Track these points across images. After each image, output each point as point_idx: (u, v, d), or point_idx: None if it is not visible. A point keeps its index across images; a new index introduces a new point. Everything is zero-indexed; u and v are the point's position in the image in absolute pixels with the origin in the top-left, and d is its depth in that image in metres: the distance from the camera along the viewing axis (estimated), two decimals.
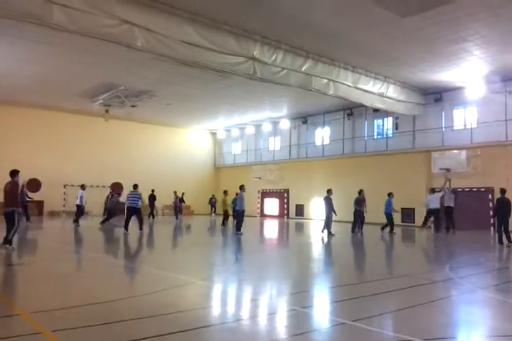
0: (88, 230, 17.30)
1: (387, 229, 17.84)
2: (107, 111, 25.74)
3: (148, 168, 31.21)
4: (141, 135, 32.13)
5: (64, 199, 27.87)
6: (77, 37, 12.49)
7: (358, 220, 17.50)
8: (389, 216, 18.13)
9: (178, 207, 26.48)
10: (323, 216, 16.74)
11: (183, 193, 27.47)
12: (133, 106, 25.16)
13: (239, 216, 16.23)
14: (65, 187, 27.90)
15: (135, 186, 16.14)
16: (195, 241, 14.96)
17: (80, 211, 19.26)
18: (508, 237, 13.27)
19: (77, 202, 19.30)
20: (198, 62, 13.72)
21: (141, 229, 15.67)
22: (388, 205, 18.13)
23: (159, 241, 14.19)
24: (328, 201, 16.48)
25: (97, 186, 28.30)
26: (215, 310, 5.54)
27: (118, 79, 20.94)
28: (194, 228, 19.90)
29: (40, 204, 27.01)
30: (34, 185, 25.68)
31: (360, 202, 17.66)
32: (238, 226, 16.04)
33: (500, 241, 13.34)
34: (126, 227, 15.34)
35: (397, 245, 15.09)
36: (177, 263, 9.53)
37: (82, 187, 19.75)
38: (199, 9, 13.02)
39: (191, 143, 35.77)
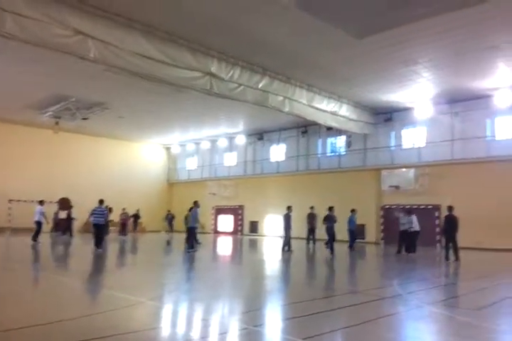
0: (38, 247, 16.52)
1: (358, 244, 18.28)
2: (56, 123, 24.92)
3: (99, 182, 30.31)
4: (92, 148, 31.27)
5: (9, 214, 26.47)
6: (28, 46, 12.06)
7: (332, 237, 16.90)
8: (352, 233, 18.31)
9: (133, 224, 25.88)
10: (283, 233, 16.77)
11: (137, 209, 26.74)
12: (84, 118, 24.47)
13: (192, 233, 15.89)
14: (10, 202, 26.56)
15: (101, 201, 15.46)
16: (147, 260, 14.57)
17: (39, 228, 18.39)
18: (455, 254, 13.74)
19: (36, 218, 18.44)
20: (154, 75, 13.58)
21: (100, 247, 15.06)
22: (352, 222, 18.17)
23: (111, 259, 13.72)
24: (287, 218, 16.57)
25: (45, 201, 27.21)
26: (165, 330, 5.36)
27: (69, 90, 20.38)
28: (147, 246, 19.40)
29: None
30: None
31: (330, 218, 17.20)
32: (191, 244, 15.64)
33: (447, 258, 13.80)
34: (97, 245, 14.90)
35: (349, 261, 15.27)
36: (126, 282, 9.19)
37: (41, 203, 18.99)
38: (155, 23, 12.97)
39: (145, 157, 35.18)
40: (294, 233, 17.15)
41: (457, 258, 13.69)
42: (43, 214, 18.52)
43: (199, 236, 18.61)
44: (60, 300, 7.02)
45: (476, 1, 11.27)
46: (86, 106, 22.97)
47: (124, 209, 25.46)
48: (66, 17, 11.22)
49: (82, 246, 14.88)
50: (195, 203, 16.12)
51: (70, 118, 24.52)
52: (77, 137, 30.03)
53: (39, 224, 18.40)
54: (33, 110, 23.77)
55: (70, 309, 6.27)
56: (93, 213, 15.21)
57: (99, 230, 15.11)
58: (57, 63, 16.13)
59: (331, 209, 17.44)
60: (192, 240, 15.78)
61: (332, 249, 16.10)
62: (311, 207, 19.63)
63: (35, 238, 17.98)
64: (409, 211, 16.78)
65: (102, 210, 15.25)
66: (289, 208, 16.75)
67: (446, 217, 14.20)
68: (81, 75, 17.82)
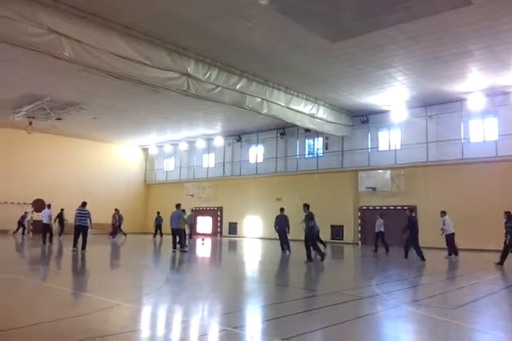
0: (18, 249, 16.28)
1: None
2: (30, 123, 24.37)
3: (75, 183, 29.85)
4: (67, 149, 30.71)
5: None
6: (0, 44, 11.82)
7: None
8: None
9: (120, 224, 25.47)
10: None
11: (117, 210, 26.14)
12: (58, 119, 24.02)
13: (180, 234, 16.24)
14: None
15: (84, 204, 15.75)
16: (128, 262, 14.39)
17: (48, 230, 19.25)
18: (421, 254, 13.90)
19: (45, 221, 19.18)
20: (130, 75, 13.45)
21: (84, 248, 15.21)
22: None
23: (92, 261, 13.49)
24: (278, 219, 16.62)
25: (18, 203, 26.65)
26: (143, 333, 5.26)
27: (43, 90, 19.96)
28: (126, 248, 19.13)
29: None
30: None
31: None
32: (184, 243, 16.36)
33: (423, 258, 13.87)
34: (74, 245, 15.33)
35: (327, 262, 15.33)
36: (102, 285, 9.03)
37: (49, 206, 19.73)
38: (131, 23, 12.84)
39: (121, 158, 34.73)
40: (270, 234, 17.13)
41: (424, 259, 13.88)
42: (50, 217, 19.45)
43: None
44: (35, 303, 6.84)
45: (462, 3, 11.45)
46: (60, 107, 22.55)
47: (116, 209, 25.23)
48: (40, 16, 11.01)
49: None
50: (178, 206, 16.62)
51: (43, 119, 24.03)
52: (52, 138, 29.52)
53: (47, 226, 19.16)
54: (6, 110, 23.18)
55: (46, 312, 6.12)
56: (76, 215, 15.45)
57: (82, 232, 15.37)
58: (31, 62, 15.80)
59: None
60: (182, 240, 16.26)
61: (321, 252, 13.98)
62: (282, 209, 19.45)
63: (44, 240, 18.80)
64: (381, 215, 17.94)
65: (85, 212, 15.49)
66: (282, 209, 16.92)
67: (411, 218, 14.34)
68: (56, 75, 17.51)
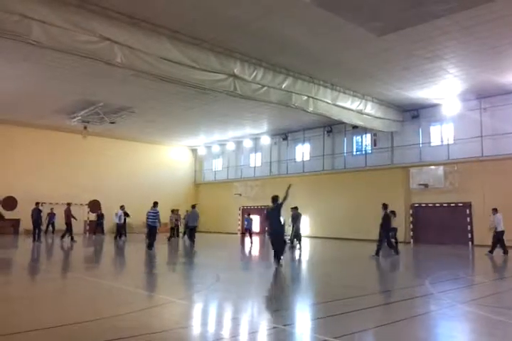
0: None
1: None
2: (85, 127, 25.48)
3: (128, 185, 30.90)
4: (120, 152, 31.80)
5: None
6: (55, 53, 12.47)
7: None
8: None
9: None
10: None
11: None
12: (112, 122, 24.96)
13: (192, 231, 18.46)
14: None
15: (155, 204, 16.29)
16: (175, 261, 14.75)
17: (120, 228, 22.13)
18: (396, 248, 14.75)
19: (116, 220, 22.04)
20: (178, 78, 13.77)
21: (152, 247, 15.82)
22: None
23: (143, 260, 13.96)
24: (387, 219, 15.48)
25: (75, 204, 27.81)
26: (195, 329, 5.42)
27: (97, 95, 20.82)
28: (170, 247, 19.60)
29: (16, 222, 26.36)
30: (10, 203, 25.24)
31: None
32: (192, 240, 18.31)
33: (397, 252, 14.57)
34: (149, 246, 15.77)
35: (376, 261, 15.07)
36: (156, 282, 9.34)
37: (122, 207, 22.53)
38: (179, 27, 13.15)
39: (172, 159, 35.57)
40: (322, 233, 17.04)
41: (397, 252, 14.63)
42: (120, 217, 22.07)
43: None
44: (87, 300, 7.15)
45: None
46: (113, 111, 23.43)
47: (177, 210, 25.82)
48: (92, 24, 11.49)
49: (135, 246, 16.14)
50: (194, 206, 18.68)
51: (98, 123, 25.06)
52: (105, 141, 30.64)
53: (119, 225, 22.13)
54: (62, 115, 24.38)
55: (98, 309, 6.40)
56: (148, 215, 16.03)
57: (152, 231, 15.97)
58: (85, 69, 16.51)
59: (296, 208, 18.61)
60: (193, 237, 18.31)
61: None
62: (295, 208, 19.46)
63: (116, 237, 21.66)
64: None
65: (156, 212, 15.97)
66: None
67: (387, 215, 14.62)
68: (108, 80, 18.22)
